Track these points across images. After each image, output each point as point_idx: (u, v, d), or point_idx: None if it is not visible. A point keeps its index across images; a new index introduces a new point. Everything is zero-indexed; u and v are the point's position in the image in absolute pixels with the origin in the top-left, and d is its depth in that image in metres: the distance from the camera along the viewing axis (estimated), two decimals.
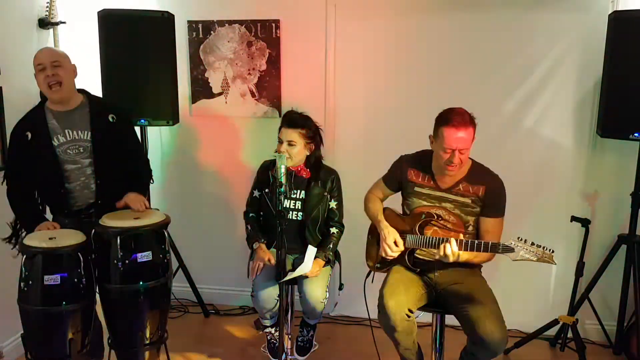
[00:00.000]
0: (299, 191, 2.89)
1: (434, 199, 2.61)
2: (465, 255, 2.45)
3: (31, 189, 2.64)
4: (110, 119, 2.66)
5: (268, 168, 2.96)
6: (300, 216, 2.89)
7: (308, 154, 2.86)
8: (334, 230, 2.94)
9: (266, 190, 2.92)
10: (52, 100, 2.58)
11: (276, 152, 2.81)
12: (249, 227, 2.97)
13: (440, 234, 2.54)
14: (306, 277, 2.77)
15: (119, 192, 2.65)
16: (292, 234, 2.85)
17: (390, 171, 2.80)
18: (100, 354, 2.75)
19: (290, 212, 2.89)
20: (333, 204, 2.93)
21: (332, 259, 2.92)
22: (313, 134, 2.84)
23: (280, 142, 2.82)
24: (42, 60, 2.50)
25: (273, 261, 2.75)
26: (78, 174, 2.60)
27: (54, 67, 2.50)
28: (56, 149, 2.55)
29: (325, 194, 2.90)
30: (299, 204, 2.89)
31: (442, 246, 2.39)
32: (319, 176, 2.89)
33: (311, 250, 2.70)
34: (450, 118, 2.42)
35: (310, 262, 2.70)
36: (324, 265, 2.88)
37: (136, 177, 2.79)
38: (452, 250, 2.37)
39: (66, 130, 2.57)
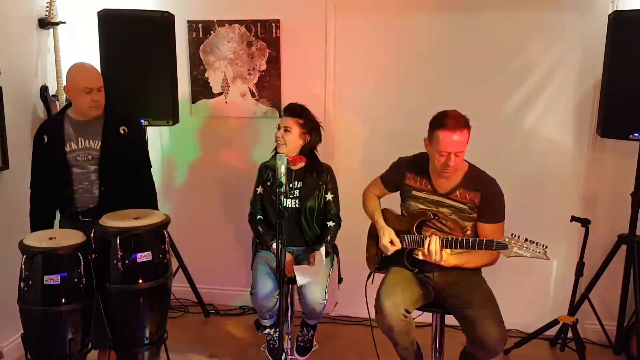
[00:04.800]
0: (296, 182, 2.97)
1: (431, 203, 2.61)
2: (453, 260, 2.46)
3: (46, 192, 2.76)
4: (122, 131, 2.77)
5: (266, 166, 3.05)
6: (298, 204, 2.95)
7: (302, 143, 2.94)
8: (331, 224, 3.00)
9: (268, 184, 2.99)
10: (84, 115, 2.72)
11: (275, 145, 2.96)
12: (260, 229, 3.01)
13: (439, 236, 2.54)
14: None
15: (121, 201, 2.73)
16: (290, 222, 2.92)
17: (388, 173, 2.81)
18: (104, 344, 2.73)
19: (289, 200, 2.96)
20: (329, 196, 3.01)
21: (330, 251, 2.98)
22: (309, 125, 2.93)
23: (278, 128, 2.93)
24: (91, 85, 2.67)
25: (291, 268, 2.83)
26: (82, 178, 2.71)
27: (98, 92, 2.70)
28: (67, 154, 2.70)
29: (321, 184, 2.97)
30: (296, 192, 2.97)
31: (426, 242, 2.41)
32: (314, 167, 2.99)
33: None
34: (445, 121, 2.42)
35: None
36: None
37: (143, 196, 2.86)
38: (435, 247, 2.37)
39: (79, 139, 2.71)
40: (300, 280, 2.75)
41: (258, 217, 3.04)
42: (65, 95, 3.32)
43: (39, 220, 2.77)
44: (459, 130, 2.40)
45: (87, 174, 2.71)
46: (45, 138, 2.72)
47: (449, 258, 2.45)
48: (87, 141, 2.71)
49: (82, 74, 2.70)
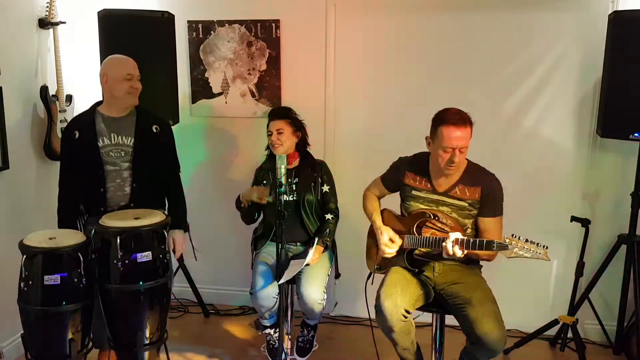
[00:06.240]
0: (293, 178, 3.01)
1: (431, 203, 2.61)
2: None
3: (76, 190, 2.75)
4: (154, 130, 2.80)
5: (261, 168, 3.11)
6: (296, 196, 2.99)
7: (296, 140, 3.02)
8: (329, 216, 3.03)
9: (264, 182, 3.04)
10: (118, 107, 2.73)
11: (267, 148, 3.05)
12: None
13: (438, 235, 2.54)
14: (307, 264, 2.81)
15: (151, 199, 2.77)
16: (290, 216, 2.93)
17: (388, 173, 2.81)
18: (104, 344, 2.73)
19: (287, 195, 2.95)
20: (326, 188, 3.05)
21: (329, 245, 3.00)
22: (297, 123, 3.02)
23: (270, 134, 2.98)
24: (132, 71, 2.71)
25: (264, 199, 2.88)
26: (115, 176, 2.71)
27: (138, 80, 2.73)
28: (100, 149, 2.68)
29: (316, 175, 3.02)
30: (293, 187, 3.00)
31: (444, 246, 2.39)
32: (308, 162, 3.06)
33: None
34: (448, 117, 2.43)
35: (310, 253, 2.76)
36: (323, 251, 2.95)
37: (173, 203, 2.90)
38: (453, 249, 2.37)
39: (112, 134, 2.71)
40: (286, 276, 2.69)
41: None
42: (64, 97, 3.33)
43: (68, 218, 2.75)
44: (462, 125, 2.41)
45: (120, 172, 2.71)
46: (77, 133, 2.71)
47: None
48: (119, 137, 2.71)
49: (124, 62, 2.73)
